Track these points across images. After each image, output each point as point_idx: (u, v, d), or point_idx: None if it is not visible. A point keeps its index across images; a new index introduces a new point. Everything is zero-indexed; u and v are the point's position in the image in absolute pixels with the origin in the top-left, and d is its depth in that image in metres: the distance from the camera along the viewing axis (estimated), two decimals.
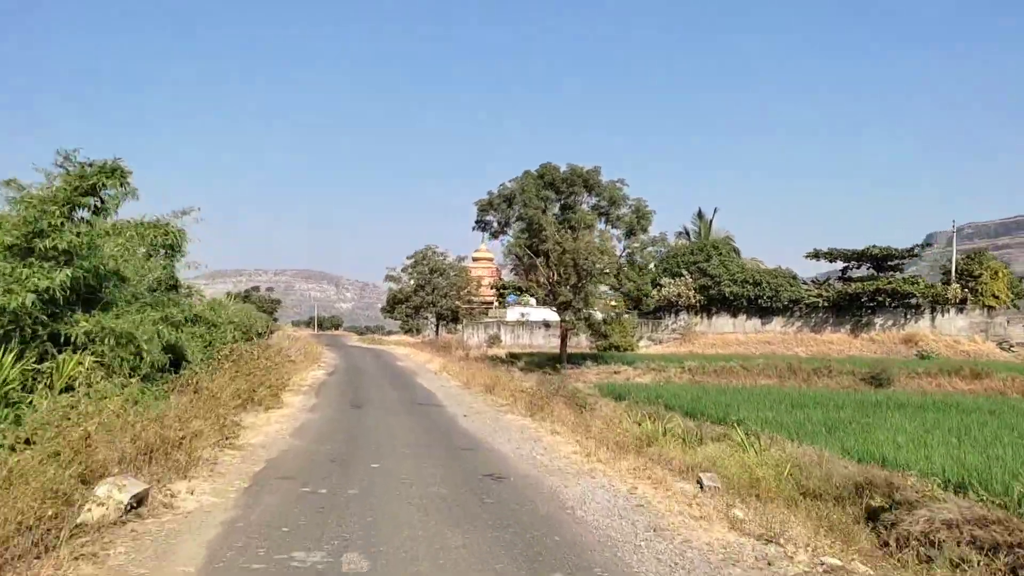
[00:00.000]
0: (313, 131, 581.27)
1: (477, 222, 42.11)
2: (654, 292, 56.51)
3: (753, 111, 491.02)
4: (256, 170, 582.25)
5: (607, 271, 38.75)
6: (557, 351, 58.92)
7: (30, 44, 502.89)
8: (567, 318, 39.51)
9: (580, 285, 38.64)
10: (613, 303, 39.59)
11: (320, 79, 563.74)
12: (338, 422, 16.22)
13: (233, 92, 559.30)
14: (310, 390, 23.68)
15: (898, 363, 41.07)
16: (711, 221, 66.02)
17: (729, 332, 57.67)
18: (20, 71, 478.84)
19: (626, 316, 49.34)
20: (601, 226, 40.54)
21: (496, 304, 79.75)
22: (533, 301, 71.24)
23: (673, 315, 59.21)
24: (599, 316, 40.69)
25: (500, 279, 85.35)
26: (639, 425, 18.80)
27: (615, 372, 40.41)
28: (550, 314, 49.02)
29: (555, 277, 40.93)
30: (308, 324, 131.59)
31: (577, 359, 44.47)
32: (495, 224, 41.93)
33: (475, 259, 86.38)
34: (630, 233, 40.23)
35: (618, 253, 40.36)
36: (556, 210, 41.27)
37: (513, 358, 48.76)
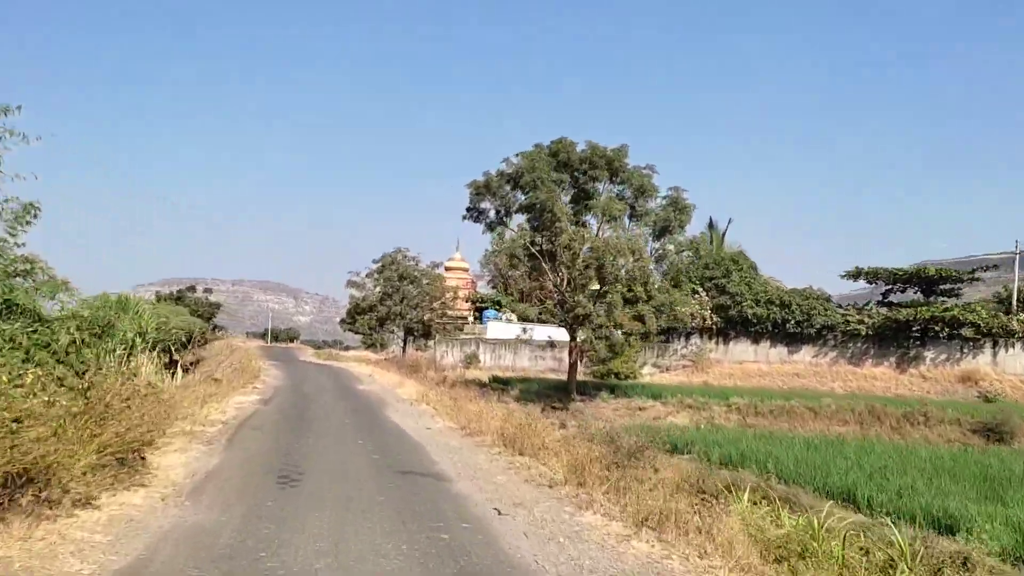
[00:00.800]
0: (313, 131, 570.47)
1: (469, 210, 33.07)
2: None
3: (759, 112, 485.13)
4: (256, 170, 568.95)
5: (637, 278, 30.00)
6: (547, 375, 49.97)
7: (29, 43, 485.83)
8: (585, 336, 30.55)
9: (603, 293, 29.84)
10: (640, 320, 30.61)
11: (320, 79, 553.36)
12: (233, 553, 7.08)
13: (233, 92, 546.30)
14: (220, 435, 14.51)
15: (1015, 409, 32.81)
16: (724, 233, 57.84)
17: (749, 361, 49.24)
18: (19, 70, 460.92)
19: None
20: (627, 221, 31.83)
21: (472, 319, 70.63)
22: (514, 316, 62.50)
23: (683, 338, 50.64)
24: (620, 335, 31.77)
25: (476, 291, 76.30)
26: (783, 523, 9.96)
27: (640, 408, 31.67)
28: (557, 332, 39.80)
29: (565, 283, 32.17)
30: (264, 336, 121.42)
31: (587, 389, 35.59)
32: (492, 213, 32.98)
33: (448, 268, 77.07)
34: (663, 231, 31.58)
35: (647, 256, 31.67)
36: (567, 199, 32.48)
37: (501, 384, 39.74)
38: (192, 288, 76.52)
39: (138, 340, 25.97)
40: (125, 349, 24.32)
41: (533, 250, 32.14)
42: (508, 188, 31.75)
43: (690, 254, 32.85)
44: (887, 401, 36.70)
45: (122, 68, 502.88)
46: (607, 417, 30.59)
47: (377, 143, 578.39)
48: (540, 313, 32.19)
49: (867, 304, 51.23)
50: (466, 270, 79.33)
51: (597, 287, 30.03)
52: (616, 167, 31.64)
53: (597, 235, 30.68)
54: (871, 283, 50.18)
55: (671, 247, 31.65)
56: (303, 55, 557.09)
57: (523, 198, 32.22)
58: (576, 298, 29.99)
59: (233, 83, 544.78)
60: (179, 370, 29.98)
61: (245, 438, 14.47)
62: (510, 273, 34.74)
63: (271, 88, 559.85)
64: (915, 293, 49.16)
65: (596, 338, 29.84)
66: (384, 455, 13.57)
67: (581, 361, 34.09)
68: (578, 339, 32.25)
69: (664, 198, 31.89)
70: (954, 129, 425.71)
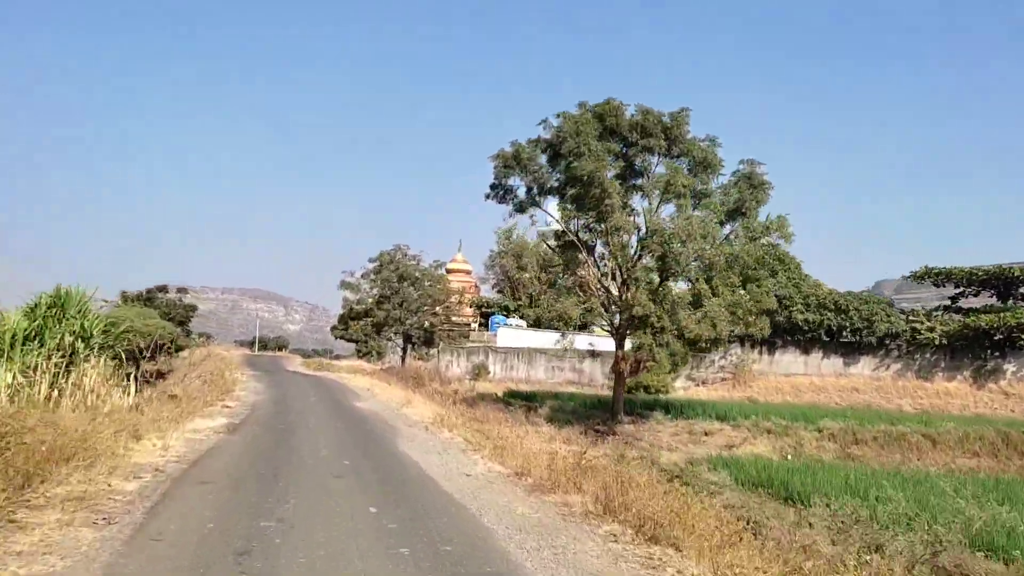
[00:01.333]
0: (313, 131, 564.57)
1: (493, 187, 26.95)
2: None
3: (759, 112, 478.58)
4: (256, 170, 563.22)
5: (714, 266, 24.03)
6: (569, 389, 43.98)
7: (29, 43, 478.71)
8: (641, 342, 24.37)
9: (664, 290, 23.84)
10: (712, 324, 24.45)
11: (320, 79, 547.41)
12: None
13: (233, 92, 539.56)
14: (135, 502, 8.46)
15: None
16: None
17: (799, 374, 43.33)
18: (19, 70, 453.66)
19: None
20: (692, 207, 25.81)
21: (475, 326, 64.46)
22: (523, 323, 56.41)
23: (721, 347, 44.61)
24: (679, 344, 25.59)
25: (479, 295, 70.15)
26: None
27: (705, 432, 25.60)
28: (599, 341, 33.49)
29: (610, 277, 26.21)
30: (252, 344, 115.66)
31: (632, 407, 29.45)
32: (522, 191, 26.92)
33: (449, 270, 70.65)
34: (734, 213, 25.66)
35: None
36: (611, 174, 26.35)
37: (523, 400, 33.59)
38: (163, 288, 68.88)
39: (80, 345, 20.14)
40: (63, 356, 18.52)
41: (571, 237, 26.14)
42: (543, 160, 25.76)
43: (770, 242, 26.53)
44: (966, 422, 30.92)
45: (122, 68, 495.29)
46: (667, 444, 24.60)
47: (377, 143, 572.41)
48: (583, 313, 25.92)
49: (937, 308, 45.14)
50: (469, 272, 73.14)
51: (662, 280, 24.06)
52: (674, 135, 25.69)
53: (655, 216, 24.71)
54: (939, 285, 44.36)
55: (742, 232, 25.63)
56: (303, 55, 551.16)
57: (559, 175, 26.27)
58: (634, 295, 23.90)
59: (233, 83, 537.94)
60: (132, 383, 23.93)
61: (177, 509, 8.39)
62: (568, 255, 28.48)
63: (271, 88, 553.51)
64: (990, 297, 43.36)
65: (657, 345, 23.70)
66: (418, 545, 7.51)
67: (639, 372, 27.87)
68: (627, 346, 26.20)
69: (734, 174, 25.98)
70: (954, 129, 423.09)
